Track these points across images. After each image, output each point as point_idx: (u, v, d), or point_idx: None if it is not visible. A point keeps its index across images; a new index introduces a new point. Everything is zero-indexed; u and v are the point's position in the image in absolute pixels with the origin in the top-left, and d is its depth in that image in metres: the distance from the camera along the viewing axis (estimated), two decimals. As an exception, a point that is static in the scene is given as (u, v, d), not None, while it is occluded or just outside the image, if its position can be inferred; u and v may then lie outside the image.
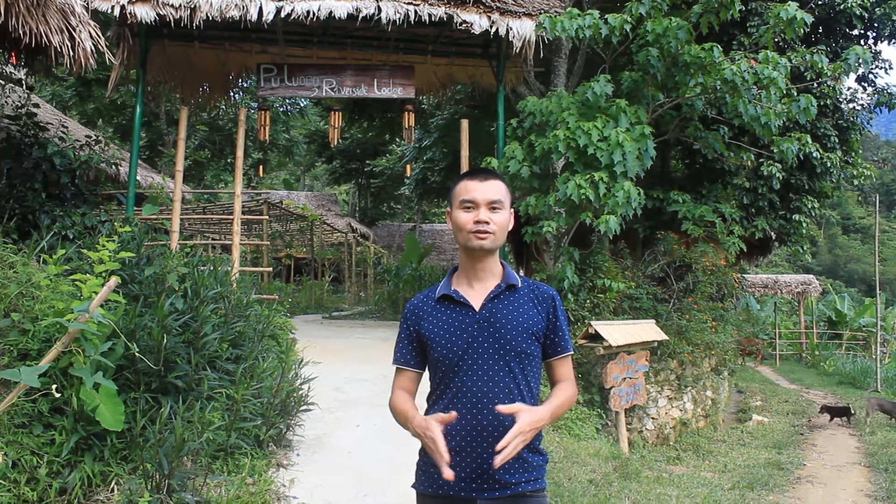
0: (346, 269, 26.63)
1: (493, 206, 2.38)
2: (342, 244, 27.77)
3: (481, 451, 2.27)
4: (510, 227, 2.47)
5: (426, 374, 2.53)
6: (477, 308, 2.39)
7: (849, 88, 15.21)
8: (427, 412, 2.43)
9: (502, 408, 2.16)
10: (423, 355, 2.49)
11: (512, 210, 2.48)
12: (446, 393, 2.37)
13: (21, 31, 5.95)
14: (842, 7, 13.22)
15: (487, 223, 2.35)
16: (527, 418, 2.14)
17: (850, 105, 14.91)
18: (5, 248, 5.58)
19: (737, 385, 17.28)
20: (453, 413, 2.20)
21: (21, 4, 5.87)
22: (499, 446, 2.08)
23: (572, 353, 2.54)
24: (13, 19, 5.88)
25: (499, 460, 2.07)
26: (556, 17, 9.62)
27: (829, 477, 8.98)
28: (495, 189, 2.40)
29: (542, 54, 10.68)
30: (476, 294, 2.42)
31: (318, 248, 26.77)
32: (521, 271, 17.50)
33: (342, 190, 48.34)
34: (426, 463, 2.38)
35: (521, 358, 2.36)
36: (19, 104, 9.08)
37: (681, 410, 11.25)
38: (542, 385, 2.99)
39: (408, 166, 23.88)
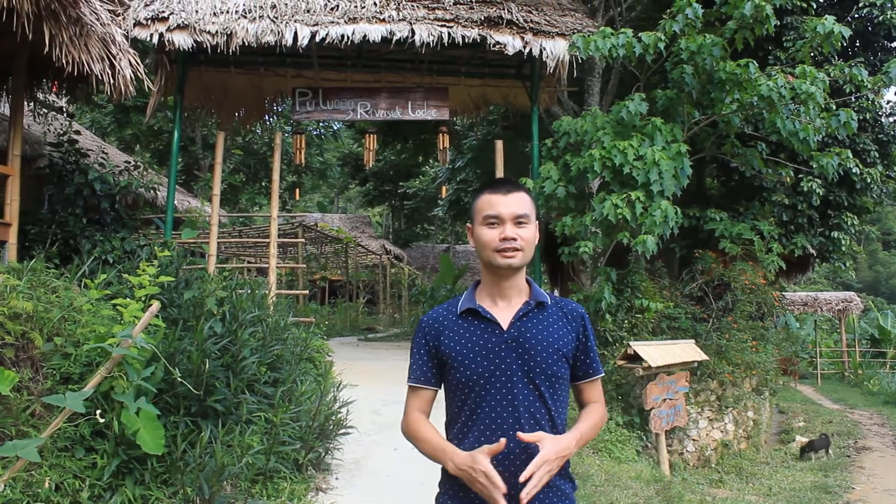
0: (380, 290, 26.68)
1: (519, 220, 2.20)
2: (376, 266, 27.85)
3: (515, 482, 2.04)
4: (537, 241, 2.28)
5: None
6: (504, 326, 2.20)
7: (888, 102, 14.94)
8: (452, 441, 2.23)
9: (524, 436, 2.03)
10: (440, 374, 2.29)
11: (538, 222, 2.31)
12: (474, 420, 2.18)
13: (64, 61, 6.07)
14: (880, 19, 13.04)
15: (515, 240, 2.18)
16: (551, 447, 2.01)
17: (891, 119, 14.67)
18: (48, 272, 5.66)
19: (778, 405, 16.95)
20: (503, 441, 2.02)
21: (64, 34, 6.00)
22: (522, 477, 1.96)
23: (603, 374, 2.36)
24: (57, 49, 6.00)
25: (525, 494, 1.94)
26: (589, 36, 9.58)
27: (881, 501, 8.74)
28: (521, 202, 2.22)
29: (575, 74, 10.67)
30: (502, 312, 2.24)
31: (353, 270, 26.88)
32: (556, 291, 17.41)
33: (376, 212, 48.57)
34: (453, 498, 2.20)
35: (550, 381, 2.18)
36: (61, 132, 9.26)
37: (722, 432, 11.05)
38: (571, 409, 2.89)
39: (443, 188, 23.92)
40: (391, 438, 6.67)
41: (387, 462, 6.10)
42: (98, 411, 3.85)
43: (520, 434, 2.05)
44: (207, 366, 4.77)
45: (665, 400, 9.22)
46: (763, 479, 9.83)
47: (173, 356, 4.65)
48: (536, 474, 1.96)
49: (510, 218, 2.20)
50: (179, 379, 4.46)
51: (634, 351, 8.80)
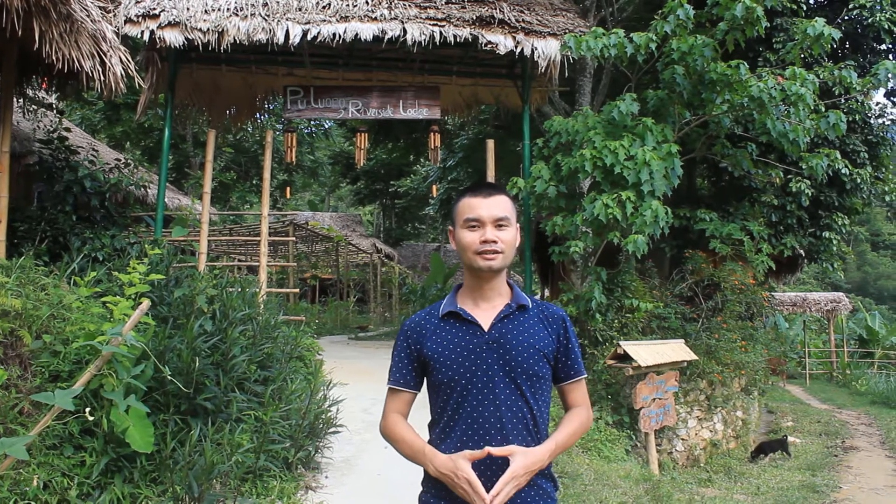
0: (371, 289, 26.66)
1: (499, 223, 2.23)
2: (367, 265, 27.86)
3: (494, 483, 2.07)
4: (518, 244, 2.32)
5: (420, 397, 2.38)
6: (486, 328, 2.23)
7: (877, 104, 14.98)
8: (432, 443, 2.26)
9: (493, 450, 2.05)
10: (421, 377, 2.34)
11: (519, 226, 2.35)
12: (456, 420, 2.20)
13: (54, 57, 6.05)
14: (869, 21, 13.09)
15: (495, 242, 2.21)
16: (521, 462, 2.04)
17: (880, 120, 14.74)
18: (37, 270, 5.64)
19: (767, 405, 17.01)
20: (486, 449, 2.06)
21: (55, 31, 5.97)
22: (490, 495, 1.99)
23: (586, 376, 2.38)
24: (47, 46, 5.98)
25: None
26: (581, 36, 9.60)
27: (868, 500, 8.78)
28: (501, 205, 2.25)
29: (566, 74, 10.68)
30: (483, 314, 2.26)
31: (344, 269, 26.85)
32: (546, 290, 17.44)
33: (367, 210, 48.54)
34: (436, 497, 2.21)
35: (532, 381, 2.21)
36: (51, 128, 9.22)
37: (711, 431, 11.09)
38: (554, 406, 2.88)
39: (434, 187, 23.95)
40: (381, 437, 6.66)
41: (377, 461, 6.10)
42: (87, 409, 3.84)
43: (488, 449, 2.07)
44: (197, 364, 4.77)
45: (654, 399, 9.25)
46: (751, 478, 9.87)
47: (163, 354, 4.64)
48: (504, 490, 2.00)
49: (490, 220, 2.24)
50: (169, 377, 4.45)
51: (624, 350, 8.83)
